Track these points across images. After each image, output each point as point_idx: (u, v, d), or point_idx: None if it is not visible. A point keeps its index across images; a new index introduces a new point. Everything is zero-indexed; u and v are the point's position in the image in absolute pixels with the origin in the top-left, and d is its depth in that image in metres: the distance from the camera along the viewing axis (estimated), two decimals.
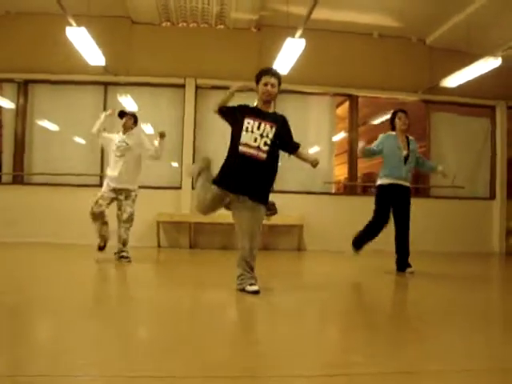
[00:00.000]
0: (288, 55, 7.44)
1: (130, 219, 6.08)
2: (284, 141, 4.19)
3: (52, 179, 8.92)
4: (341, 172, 11.84)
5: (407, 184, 5.81)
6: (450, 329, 3.06)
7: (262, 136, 4.01)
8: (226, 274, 4.34)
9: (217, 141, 8.82)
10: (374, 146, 5.84)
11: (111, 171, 6.13)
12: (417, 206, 9.06)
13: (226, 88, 9.04)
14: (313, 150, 9.70)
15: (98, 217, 5.97)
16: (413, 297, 4.72)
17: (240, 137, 4.03)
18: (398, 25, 9.12)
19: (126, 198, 6.09)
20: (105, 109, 8.25)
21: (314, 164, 4.32)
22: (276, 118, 4.21)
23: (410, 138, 5.93)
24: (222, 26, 9.39)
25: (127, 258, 6.06)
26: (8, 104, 9.34)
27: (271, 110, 4.30)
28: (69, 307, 3.44)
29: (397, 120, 5.87)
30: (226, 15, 8.95)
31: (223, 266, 6.54)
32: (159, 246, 8.82)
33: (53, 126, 9.40)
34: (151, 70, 9.10)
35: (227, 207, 4.23)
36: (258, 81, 4.22)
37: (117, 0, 8.44)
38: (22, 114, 9.19)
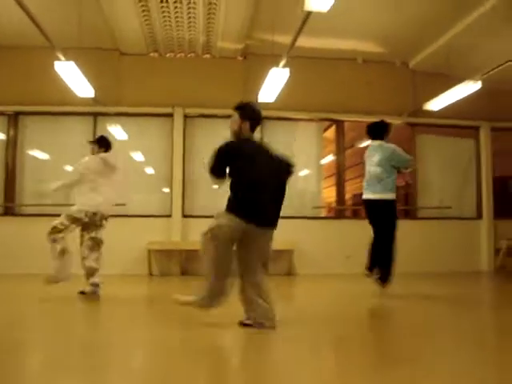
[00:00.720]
0: (273, 84, 7.60)
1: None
2: None
3: (44, 209, 8.97)
4: (329, 194, 11.95)
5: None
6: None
7: None
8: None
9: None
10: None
11: None
12: (404, 227, 9.29)
13: (214, 116, 9.32)
14: (302, 174, 9.85)
15: None
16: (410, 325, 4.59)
17: None
18: (381, 50, 9.32)
19: None
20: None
21: None
22: None
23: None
24: (208, 56, 9.56)
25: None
26: None
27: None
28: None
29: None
30: (213, 45, 9.12)
31: None
32: (151, 274, 8.86)
33: (43, 156, 9.49)
34: (140, 100, 9.23)
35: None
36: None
37: (105, 32, 8.57)
38: (12, 144, 9.27)
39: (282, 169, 4.23)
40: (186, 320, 4.32)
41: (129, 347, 3.56)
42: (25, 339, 3.71)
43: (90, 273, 5.63)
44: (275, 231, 4.14)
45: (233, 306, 4.00)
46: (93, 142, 6.22)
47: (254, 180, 3.98)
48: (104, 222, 5.82)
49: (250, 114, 4.22)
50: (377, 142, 6.15)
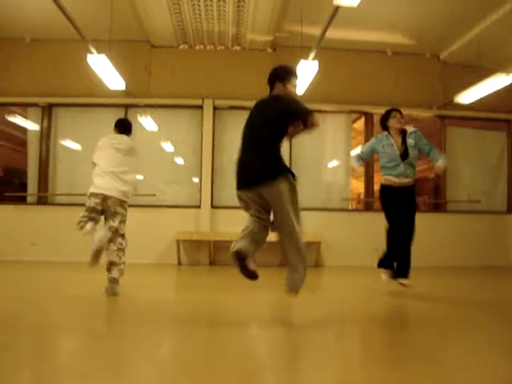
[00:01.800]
0: (302, 76, 7.60)
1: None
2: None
3: (76, 199, 9.16)
4: (358, 186, 11.96)
5: (407, 181, 5.59)
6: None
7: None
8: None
9: (234, 159, 9.05)
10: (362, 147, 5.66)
11: None
12: (434, 220, 9.28)
13: (242, 108, 9.38)
14: (331, 165, 9.88)
15: None
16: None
17: None
18: (411, 42, 9.24)
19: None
20: None
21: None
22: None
23: (409, 130, 5.68)
24: (238, 48, 9.62)
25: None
26: (33, 126, 9.67)
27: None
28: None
29: (390, 119, 5.71)
30: (242, 37, 9.17)
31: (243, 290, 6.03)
32: (179, 263, 9.00)
33: (76, 146, 9.70)
34: (170, 92, 9.36)
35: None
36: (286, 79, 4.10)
37: (136, 25, 8.70)
38: (46, 135, 9.49)
39: (274, 113, 3.91)
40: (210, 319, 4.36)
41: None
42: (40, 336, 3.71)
43: (108, 267, 5.10)
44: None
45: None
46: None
47: (241, 140, 4.03)
48: (119, 208, 5.13)
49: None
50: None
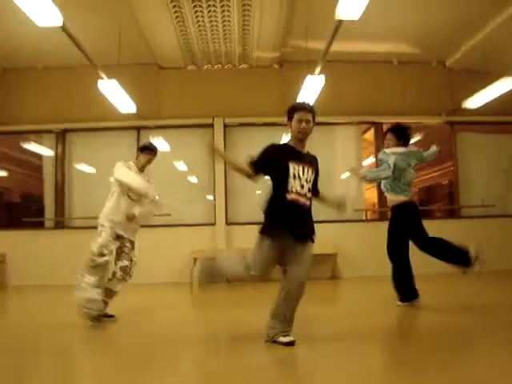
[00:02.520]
0: (310, 91, 7.71)
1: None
2: (314, 183, 3.98)
3: (92, 222, 9.26)
4: (371, 195, 11.97)
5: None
6: None
7: (306, 182, 3.82)
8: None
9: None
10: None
11: (119, 216, 5.14)
12: (449, 226, 9.25)
13: (252, 125, 9.47)
14: (343, 176, 9.91)
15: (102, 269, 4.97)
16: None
17: (287, 184, 3.77)
18: (416, 50, 9.31)
19: (132, 248, 5.26)
20: None
21: (341, 207, 4.10)
22: (311, 160, 3.97)
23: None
24: (245, 65, 9.76)
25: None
26: (48, 152, 9.85)
27: (305, 149, 3.98)
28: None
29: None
30: (249, 54, 9.30)
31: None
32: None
33: (91, 170, 9.87)
34: (180, 112, 9.50)
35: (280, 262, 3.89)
36: (290, 117, 3.90)
37: (144, 48, 8.86)
38: (60, 160, 9.66)
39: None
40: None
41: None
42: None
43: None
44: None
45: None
46: (154, 152, 5.47)
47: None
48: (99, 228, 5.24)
49: None
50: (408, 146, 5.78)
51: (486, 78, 8.36)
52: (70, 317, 4.99)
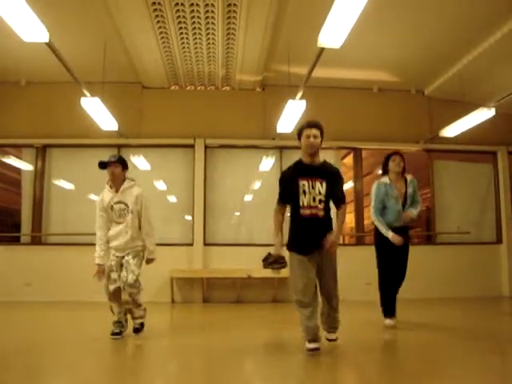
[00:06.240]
0: (290, 115, 7.82)
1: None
2: (332, 194, 4.16)
3: (69, 239, 9.23)
4: (349, 220, 12.04)
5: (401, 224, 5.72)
6: None
7: (319, 193, 4.07)
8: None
9: (225, 197, 9.56)
10: (375, 205, 5.71)
11: (114, 240, 5.39)
12: (424, 252, 9.36)
13: (233, 146, 9.53)
14: None
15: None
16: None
17: (299, 200, 4.09)
18: (396, 78, 9.51)
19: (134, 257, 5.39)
20: None
21: (329, 247, 4.13)
22: (324, 172, 4.19)
23: (409, 179, 5.78)
24: (227, 88, 9.86)
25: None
26: (27, 166, 9.79)
27: (319, 161, 4.26)
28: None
29: (390, 163, 5.77)
30: (232, 77, 9.40)
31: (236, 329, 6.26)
32: (173, 301, 9.01)
33: (69, 186, 9.83)
34: (162, 132, 9.52)
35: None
36: (299, 136, 4.25)
37: (128, 67, 8.91)
38: (40, 175, 9.60)
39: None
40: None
41: None
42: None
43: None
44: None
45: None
46: (115, 162, 5.58)
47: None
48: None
49: None
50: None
51: (464, 107, 8.61)
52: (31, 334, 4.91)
